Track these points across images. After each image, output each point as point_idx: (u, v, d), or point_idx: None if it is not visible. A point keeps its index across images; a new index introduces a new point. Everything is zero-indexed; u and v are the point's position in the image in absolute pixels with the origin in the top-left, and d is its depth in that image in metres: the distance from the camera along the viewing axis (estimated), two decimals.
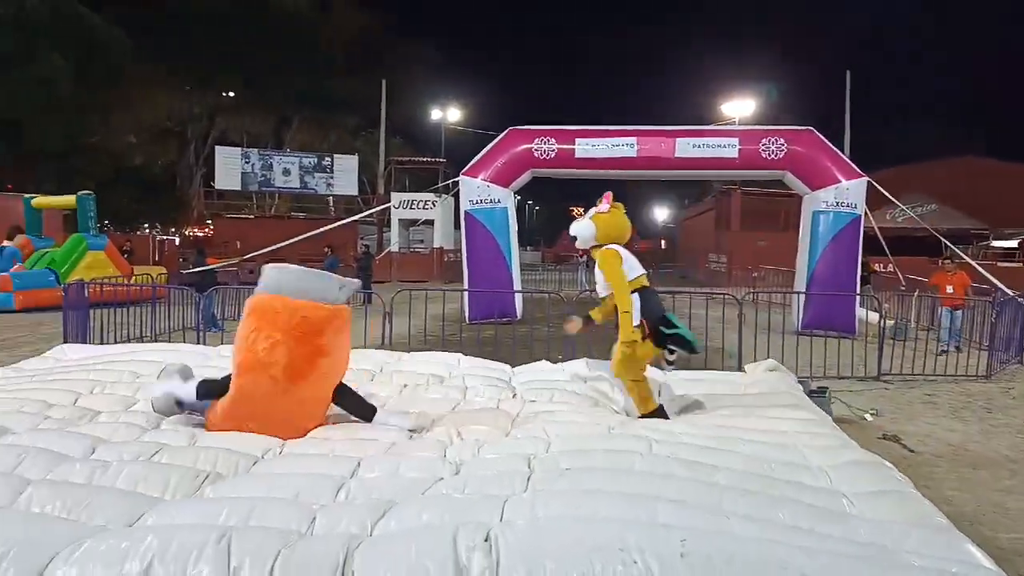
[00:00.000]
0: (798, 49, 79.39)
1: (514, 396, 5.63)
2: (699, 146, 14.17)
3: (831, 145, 14.36)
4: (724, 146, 14.16)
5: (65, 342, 8.59)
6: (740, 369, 7.27)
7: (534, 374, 6.39)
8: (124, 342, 9.74)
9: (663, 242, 61.94)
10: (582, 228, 5.35)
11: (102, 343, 9.23)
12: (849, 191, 13.65)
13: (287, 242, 16.41)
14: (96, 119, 31.30)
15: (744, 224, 32.73)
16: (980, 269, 14.22)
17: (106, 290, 10.94)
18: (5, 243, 17.41)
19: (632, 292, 5.10)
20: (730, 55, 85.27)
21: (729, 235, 32.76)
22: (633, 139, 14.13)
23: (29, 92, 27.39)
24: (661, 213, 70.55)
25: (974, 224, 30.37)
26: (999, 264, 24.10)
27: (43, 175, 28.93)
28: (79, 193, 18.98)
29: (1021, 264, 26.66)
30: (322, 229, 18.24)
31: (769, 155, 13.96)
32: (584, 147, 14.17)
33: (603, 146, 14.13)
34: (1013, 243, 31.05)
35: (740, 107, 36.18)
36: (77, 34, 29.79)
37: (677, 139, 14.17)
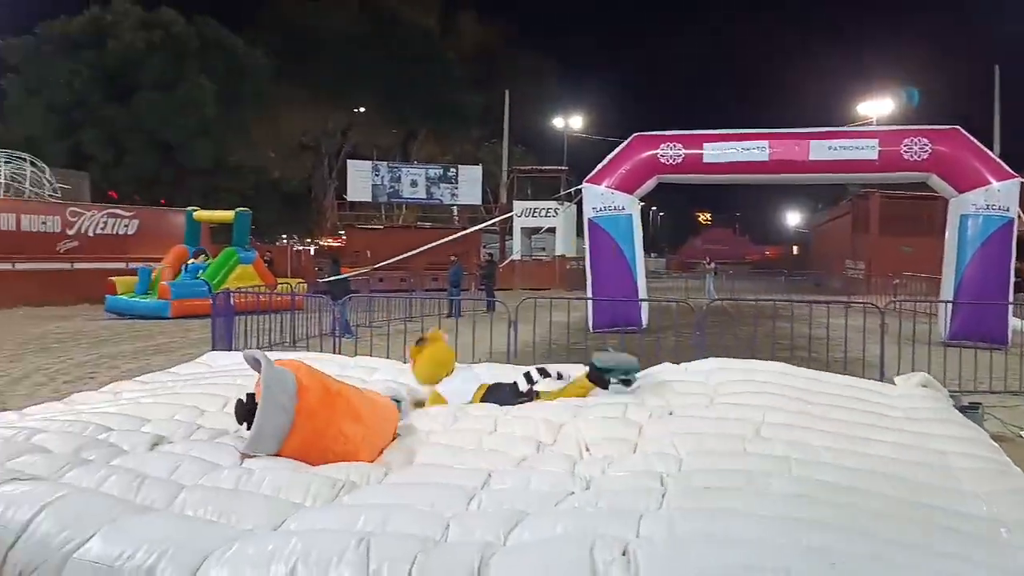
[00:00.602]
0: (940, 44, 74.76)
1: (636, 402, 5.54)
2: (835, 148, 13.58)
3: (980, 144, 13.43)
4: (862, 148, 13.50)
5: (213, 348, 9.12)
6: (883, 381, 6.86)
7: (656, 377, 6.27)
8: (266, 348, 10.25)
9: (795, 248, 59.70)
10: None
11: (246, 348, 9.74)
12: (1000, 193, 12.72)
13: (414, 251, 16.83)
14: (239, 138, 33.22)
15: (883, 229, 31.09)
16: None
17: (250, 299, 11.54)
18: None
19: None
20: (866, 52, 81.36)
21: (867, 240, 31.20)
22: (765, 142, 13.69)
23: (180, 114, 29.37)
24: (792, 218, 68.07)
25: None
26: None
27: (192, 190, 30.94)
28: (238, 209, 20.17)
29: None
30: (447, 239, 18.63)
31: (912, 156, 13.19)
32: (712, 152, 13.83)
33: (733, 150, 13.75)
34: None
35: (878, 107, 34.46)
36: (222, 59, 31.72)
37: (811, 141, 13.63)
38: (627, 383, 5.34)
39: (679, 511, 3.16)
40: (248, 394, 4.00)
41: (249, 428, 3.88)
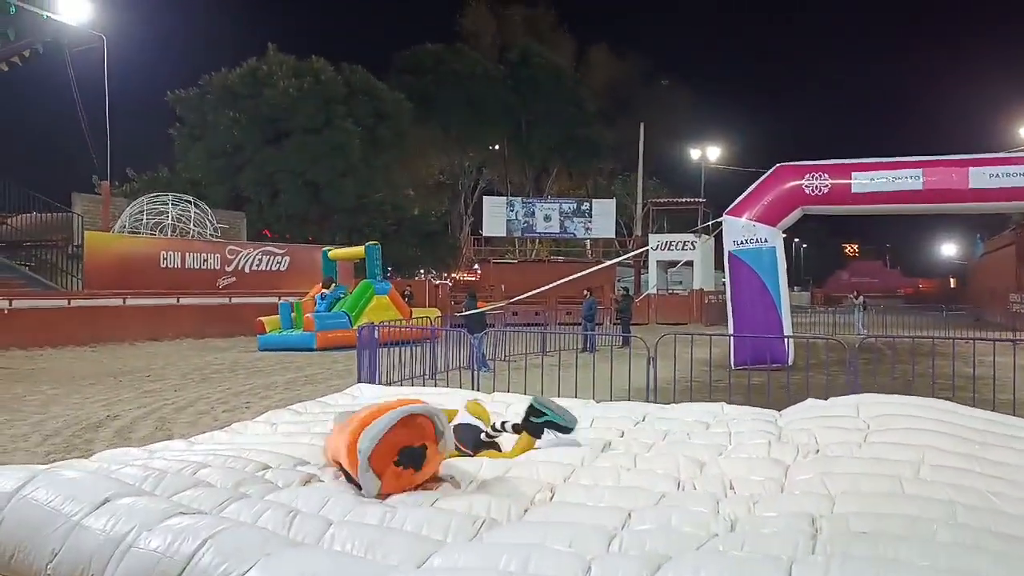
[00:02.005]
0: None
1: (781, 439, 5.29)
2: (997, 175, 12.69)
3: None
4: None
5: (359, 379, 9.44)
6: None
7: (802, 413, 5.98)
8: (407, 379, 10.52)
9: (952, 281, 55.89)
10: None
11: (387, 380, 10.03)
12: None
13: (549, 285, 16.88)
14: (381, 177, 34.63)
15: None
16: None
17: (392, 331, 11.90)
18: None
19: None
20: None
21: None
22: (919, 170, 12.95)
23: (328, 156, 30.97)
24: (948, 248, 63.89)
25: None
26: None
27: (337, 228, 32.46)
28: (367, 244, 21.03)
29: None
30: (582, 273, 18.58)
31: None
32: (862, 181, 13.22)
33: (883, 179, 13.09)
34: None
35: None
36: (367, 103, 33.29)
37: (971, 168, 12.79)
38: (564, 430, 5.13)
39: (835, 559, 3.00)
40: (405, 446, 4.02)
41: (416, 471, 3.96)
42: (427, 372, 11.49)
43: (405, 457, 3.93)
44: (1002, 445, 4.91)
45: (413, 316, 18.83)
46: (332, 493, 3.90)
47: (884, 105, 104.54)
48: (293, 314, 18.82)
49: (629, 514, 3.74)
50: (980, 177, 12.77)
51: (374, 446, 3.87)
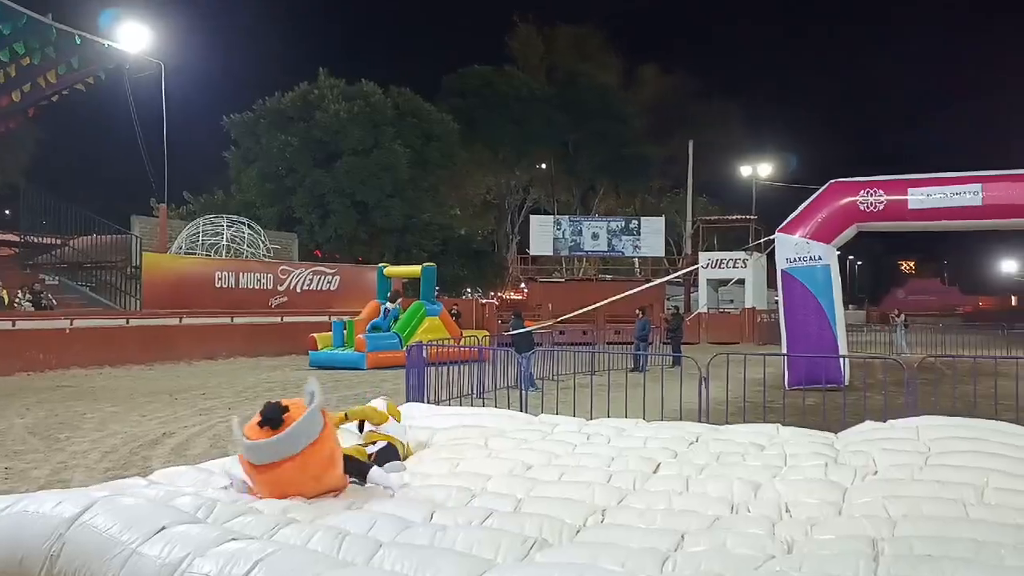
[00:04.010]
0: None
1: (838, 461, 5.17)
2: None
3: None
4: None
5: (408, 398, 9.48)
6: None
7: (860, 435, 5.85)
8: (455, 399, 10.54)
9: (1013, 298, 54.18)
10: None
11: (436, 399, 10.05)
12: None
13: (598, 304, 16.77)
14: (428, 197, 34.94)
15: None
16: None
17: (441, 350, 11.95)
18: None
19: None
20: None
21: None
22: (978, 185, 12.61)
23: (376, 177, 31.39)
24: (1009, 265, 62.06)
25: None
26: None
27: (385, 248, 32.81)
28: (424, 264, 21.17)
29: None
30: (631, 291, 18.42)
31: None
32: (918, 197, 12.92)
33: (941, 195, 12.78)
34: None
35: None
36: (415, 125, 33.71)
37: None
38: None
39: None
40: (276, 402, 4.32)
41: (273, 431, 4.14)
42: (475, 391, 11.51)
43: (265, 417, 4.19)
44: None
45: (462, 336, 18.91)
46: (379, 516, 3.93)
47: (941, 120, 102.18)
48: (345, 332, 19.01)
49: (682, 536, 3.72)
50: None
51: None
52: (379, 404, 6.09)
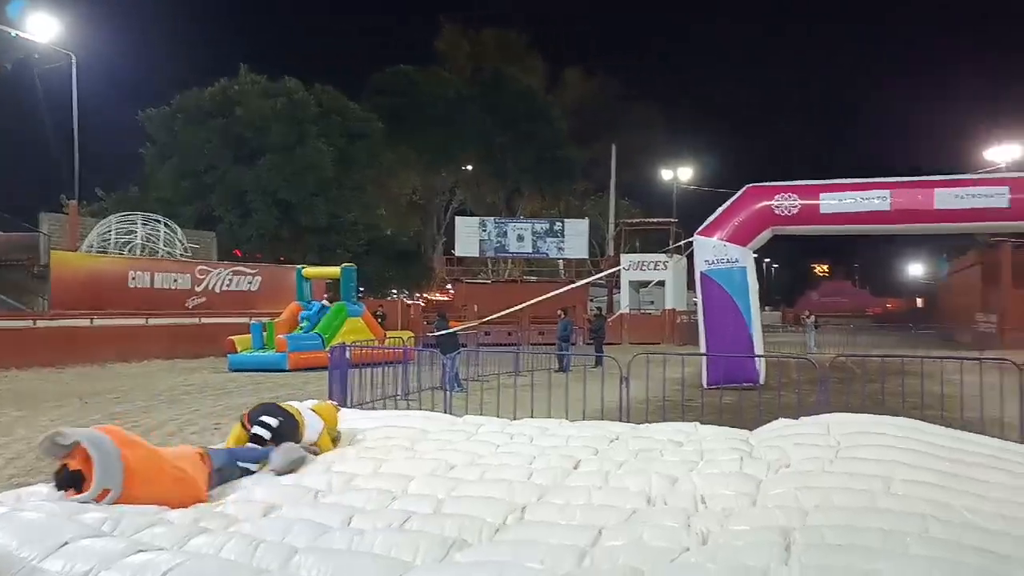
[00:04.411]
0: None
1: (752, 455, 5.33)
2: (963, 196, 12.91)
3: None
4: (992, 195, 12.81)
5: (330, 399, 9.32)
6: None
7: (773, 432, 6.06)
8: (379, 400, 10.43)
9: (919, 300, 56.72)
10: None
11: (360, 401, 9.93)
12: None
13: (522, 305, 16.86)
14: (353, 197, 34.50)
15: (1017, 280, 29.16)
16: None
17: (365, 352, 11.81)
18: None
19: None
20: (991, 95, 77.65)
21: (999, 292, 29.32)
22: (886, 191, 13.16)
23: (300, 176, 30.85)
24: (915, 269, 64.94)
25: None
26: None
27: (309, 247, 32.26)
28: (343, 265, 20.89)
29: None
30: (554, 292, 18.59)
31: None
32: (830, 202, 13.40)
33: (851, 200, 13.28)
34: None
35: (1007, 152, 32.66)
36: (339, 123, 33.25)
37: (936, 189, 13.01)
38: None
39: (811, 569, 3.05)
40: (63, 465, 4.22)
41: (79, 492, 4.06)
42: (399, 392, 11.42)
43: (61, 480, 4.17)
44: (972, 462, 4.99)
45: (387, 337, 18.74)
46: (295, 521, 3.87)
47: (855, 128, 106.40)
48: (264, 333, 18.61)
49: (600, 531, 3.75)
50: (946, 198, 12.97)
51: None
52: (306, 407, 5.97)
